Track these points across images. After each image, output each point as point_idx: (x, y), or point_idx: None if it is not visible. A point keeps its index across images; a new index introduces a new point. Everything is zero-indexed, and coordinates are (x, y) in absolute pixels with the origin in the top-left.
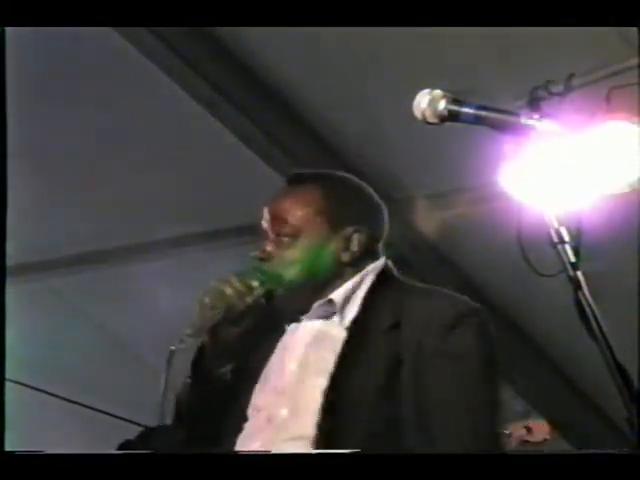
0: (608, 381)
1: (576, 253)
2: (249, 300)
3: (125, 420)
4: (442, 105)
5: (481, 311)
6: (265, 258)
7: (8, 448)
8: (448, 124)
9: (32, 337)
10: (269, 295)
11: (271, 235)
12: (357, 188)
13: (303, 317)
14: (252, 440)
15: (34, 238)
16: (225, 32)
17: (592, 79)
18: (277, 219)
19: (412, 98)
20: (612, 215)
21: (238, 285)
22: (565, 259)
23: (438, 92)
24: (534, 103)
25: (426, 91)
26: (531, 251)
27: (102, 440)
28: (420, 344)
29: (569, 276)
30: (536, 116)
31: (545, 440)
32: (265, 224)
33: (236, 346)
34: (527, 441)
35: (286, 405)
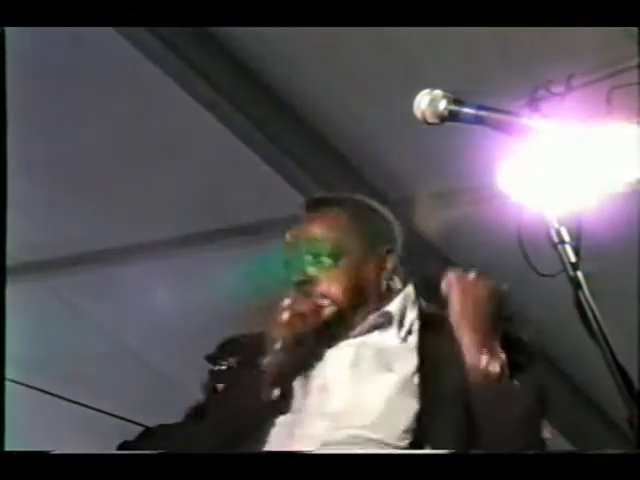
0: (608, 381)
1: (576, 253)
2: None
3: (125, 420)
4: (442, 105)
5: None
6: (308, 280)
7: (8, 448)
8: (448, 124)
9: (32, 337)
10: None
11: (308, 258)
12: (376, 209)
13: (351, 334)
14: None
15: (34, 238)
16: (225, 32)
17: (592, 79)
18: (313, 241)
19: (412, 98)
20: (612, 215)
21: (311, 305)
22: (565, 259)
23: (438, 92)
24: (534, 103)
25: (426, 91)
26: (531, 251)
27: (102, 440)
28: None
29: (569, 276)
30: (536, 116)
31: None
32: (295, 249)
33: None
34: None
35: (340, 399)
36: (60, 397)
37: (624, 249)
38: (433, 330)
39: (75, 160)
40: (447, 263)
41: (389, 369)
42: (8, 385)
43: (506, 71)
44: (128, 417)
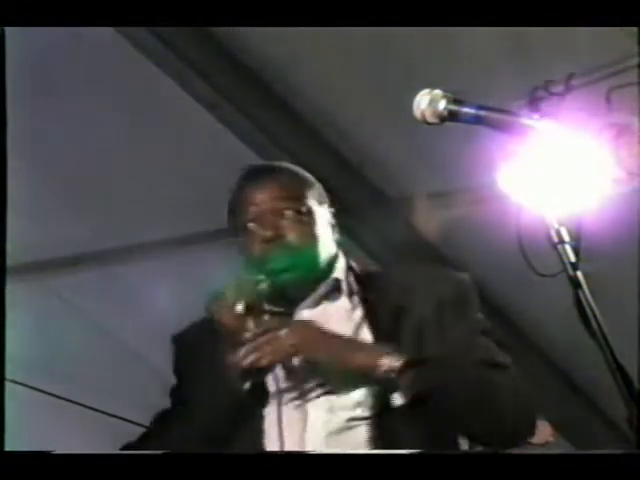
0: (608, 381)
1: (576, 253)
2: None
3: (125, 420)
4: (442, 105)
5: (467, 281)
6: (278, 238)
7: (8, 448)
8: (448, 124)
9: (32, 337)
10: (281, 285)
11: (277, 218)
12: (304, 173)
13: (307, 299)
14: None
15: (34, 238)
16: (225, 32)
17: (592, 79)
18: (285, 199)
19: (412, 98)
20: (612, 215)
21: (245, 285)
22: (565, 259)
23: (438, 92)
24: (534, 103)
25: (426, 91)
26: (531, 251)
27: (102, 440)
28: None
29: (569, 276)
30: (536, 116)
31: (547, 442)
32: (264, 206)
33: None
34: (529, 443)
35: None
36: (60, 397)
37: (624, 249)
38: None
39: (75, 160)
40: (447, 263)
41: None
42: (8, 385)
43: (506, 71)
44: (128, 417)
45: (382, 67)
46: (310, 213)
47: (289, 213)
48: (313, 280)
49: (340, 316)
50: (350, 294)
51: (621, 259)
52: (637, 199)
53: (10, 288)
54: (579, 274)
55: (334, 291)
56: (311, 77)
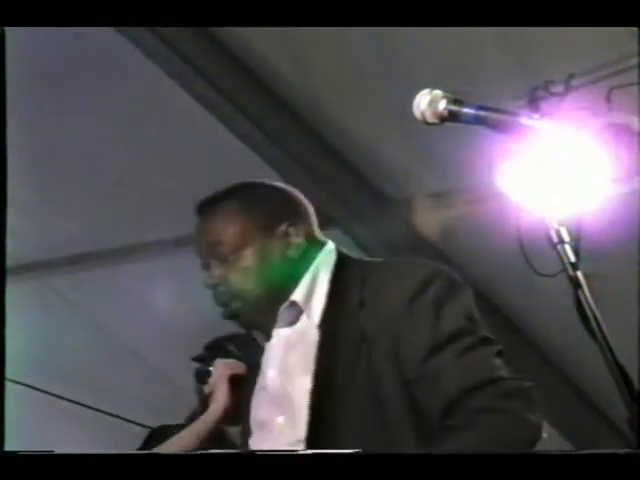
0: (608, 381)
1: (576, 253)
2: None
3: (125, 420)
4: (442, 105)
5: (441, 270)
6: (219, 282)
7: (8, 448)
8: (448, 124)
9: (32, 337)
10: (234, 315)
11: (213, 261)
12: (271, 188)
13: (275, 328)
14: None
15: (34, 238)
16: (225, 32)
17: (592, 79)
18: (212, 245)
19: (412, 98)
20: (612, 215)
21: None
22: (565, 259)
23: (438, 92)
24: (534, 103)
25: (426, 91)
26: (531, 251)
27: (102, 440)
28: (386, 317)
29: (569, 276)
30: (536, 116)
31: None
32: (201, 256)
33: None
34: None
35: (281, 413)
36: (60, 397)
37: (624, 249)
38: (341, 313)
39: (75, 160)
40: (447, 263)
41: (307, 371)
42: (8, 385)
43: (506, 71)
44: (128, 417)
45: (382, 67)
46: (241, 249)
47: (214, 262)
48: (267, 306)
49: (297, 342)
50: (313, 314)
51: (621, 259)
52: (637, 199)
53: (10, 288)
54: (579, 274)
55: (292, 315)
56: (311, 77)
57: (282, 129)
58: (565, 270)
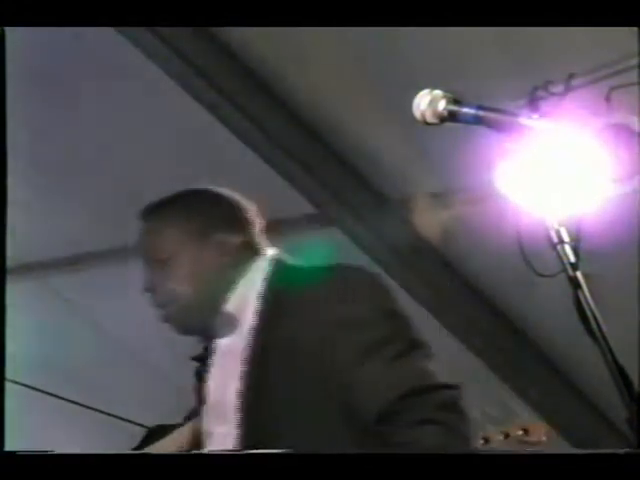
0: (608, 381)
1: (576, 253)
2: None
3: (125, 420)
4: (442, 105)
5: (367, 274)
6: (151, 288)
7: (8, 448)
8: (447, 124)
9: (32, 337)
10: (168, 319)
11: (152, 266)
12: (212, 196)
13: (212, 337)
14: None
15: (34, 238)
16: (225, 32)
17: (592, 79)
18: (150, 249)
19: (412, 98)
20: (612, 215)
21: None
22: (565, 259)
23: (438, 92)
24: (534, 103)
25: (426, 91)
26: (531, 251)
27: (102, 440)
28: (317, 323)
29: (569, 276)
30: (535, 116)
31: (541, 441)
32: (142, 259)
33: None
34: (525, 441)
35: (222, 423)
36: (60, 397)
37: (624, 249)
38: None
39: (75, 160)
40: (447, 263)
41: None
42: (8, 385)
43: (506, 71)
44: (128, 417)
45: (382, 67)
46: (177, 255)
47: (153, 266)
48: (201, 312)
49: (233, 351)
50: (246, 323)
51: (621, 259)
52: (637, 199)
53: (10, 288)
54: (579, 274)
55: (225, 325)
56: (311, 77)
57: (282, 129)
58: (565, 270)
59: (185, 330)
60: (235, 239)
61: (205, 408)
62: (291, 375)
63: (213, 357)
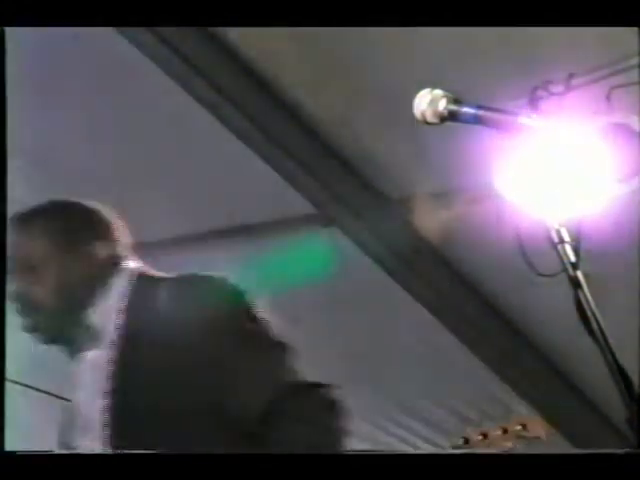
0: (608, 381)
1: (576, 253)
2: None
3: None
4: (442, 105)
5: (223, 280)
6: (21, 294)
7: (8, 448)
8: (447, 124)
9: (32, 337)
10: (31, 328)
11: (19, 274)
12: (82, 208)
13: (78, 350)
14: None
15: None
16: (225, 32)
17: (592, 79)
18: (19, 258)
19: (412, 98)
20: (612, 215)
21: None
22: (565, 259)
23: (438, 92)
24: (534, 103)
25: (426, 91)
26: (531, 251)
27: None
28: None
29: (569, 276)
30: (535, 116)
31: (538, 437)
32: (10, 267)
33: None
34: (523, 436)
35: (92, 439)
36: (60, 397)
37: (624, 249)
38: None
39: (75, 159)
40: (447, 263)
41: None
42: (8, 385)
43: (506, 71)
44: None
45: (382, 67)
46: (44, 265)
47: (20, 274)
48: (64, 323)
49: (98, 364)
50: (109, 335)
51: (621, 259)
52: (637, 199)
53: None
54: (579, 274)
55: (89, 339)
56: (310, 77)
57: (282, 129)
58: (565, 270)
59: (50, 340)
60: (102, 252)
61: (76, 420)
62: (154, 388)
63: (80, 371)
